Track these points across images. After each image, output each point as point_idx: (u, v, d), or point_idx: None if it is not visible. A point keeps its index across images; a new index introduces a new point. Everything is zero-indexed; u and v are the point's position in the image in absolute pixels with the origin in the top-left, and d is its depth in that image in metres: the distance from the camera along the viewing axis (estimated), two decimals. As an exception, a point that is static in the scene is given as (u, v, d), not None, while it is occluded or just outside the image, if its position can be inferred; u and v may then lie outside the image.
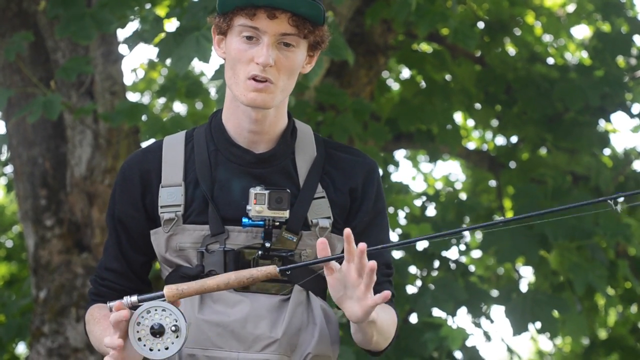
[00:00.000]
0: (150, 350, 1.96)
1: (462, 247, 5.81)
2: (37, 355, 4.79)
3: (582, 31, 13.01)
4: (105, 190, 4.86)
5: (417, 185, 11.86)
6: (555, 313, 5.25)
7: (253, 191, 2.10)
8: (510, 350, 6.04)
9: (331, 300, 2.10)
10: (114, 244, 2.24)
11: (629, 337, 7.16)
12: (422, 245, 5.70)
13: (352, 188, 2.20)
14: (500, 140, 7.11)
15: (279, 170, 2.17)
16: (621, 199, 2.05)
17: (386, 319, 2.13)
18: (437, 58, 6.20)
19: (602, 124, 6.25)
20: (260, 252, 2.12)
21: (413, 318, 5.56)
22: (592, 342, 7.20)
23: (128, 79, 7.77)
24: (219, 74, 3.76)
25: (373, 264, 1.94)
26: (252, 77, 2.07)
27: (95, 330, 2.17)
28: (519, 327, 5.24)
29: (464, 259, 6.19)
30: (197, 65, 7.52)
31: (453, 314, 5.32)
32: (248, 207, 2.11)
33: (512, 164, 6.58)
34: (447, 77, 6.43)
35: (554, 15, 6.60)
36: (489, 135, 7.51)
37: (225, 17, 2.11)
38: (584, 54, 6.96)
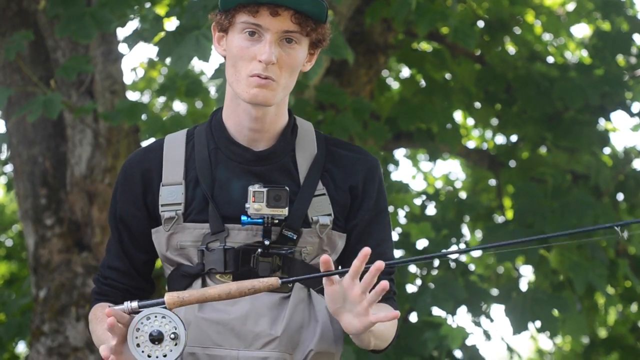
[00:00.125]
0: (149, 356, 1.96)
1: (462, 246, 5.81)
2: (37, 354, 4.79)
3: (582, 30, 13.02)
4: (105, 190, 4.86)
5: (417, 184, 11.85)
6: (555, 312, 5.25)
7: (251, 189, 2.10)
8: (510, 349, 6.04)
9: None
10: (116, 243, 2.24)
11: (629, 336, 7.16)
12: (422, 244, 5.70)
13: (352, 186, 2.19)
14: (500, 139, 7.11)
15: (279, 167, 2.16)
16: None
17: (386, 323, 2.12)
18: (437, 57, 6.20)
19: (602, 122, 6.25)
20: (260, 250, 2.12)
21: (413, 317, 5.57)
22: (592, 341, 7.20)
23: (128, 78, 7.78)
24: (219, 73, 3.76)
25: (385, 284, 1.93)
26: (254, 75, 2.07)
27: (97, 329, 2.17)
28: (519, 326, 5.24)
29: (463, 258, 6.18)
30: (196, 64, 7.52)
31: (453, 313, 5.32)
32: (247, 205, 2.10)
33: (512, 163, 6.58)
34: (447, 76, 6.43)
35: (554, 14, 6.60)
36: (488, 134, 7.51)
37: (227, 14, 2.10)
38: (584, 53, 6.96)
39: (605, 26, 6.26)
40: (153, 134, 4.56)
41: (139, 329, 1.96)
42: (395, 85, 7.11)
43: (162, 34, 4.15)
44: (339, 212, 2.17)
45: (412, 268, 5.69)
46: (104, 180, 4.87)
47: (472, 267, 5.98)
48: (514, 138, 6.70)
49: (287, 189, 2.11)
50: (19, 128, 4.97)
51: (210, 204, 2.14)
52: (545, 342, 9.62)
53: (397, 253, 5.71)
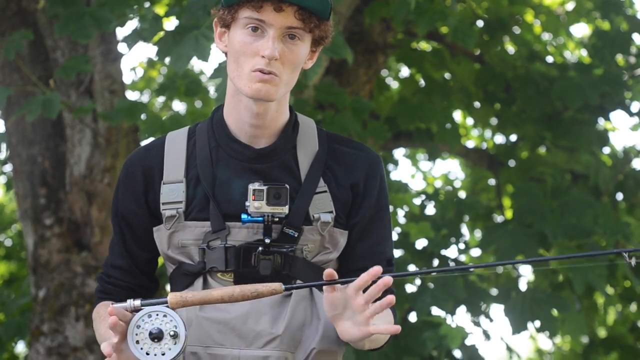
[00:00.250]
0: (147, 354, 1.96)
1: (462, 246, 5.81)
2: (37, 354, 4.79)
3: (581, 29, 13.02)
4: (104, 189, 4.86)
5: (417, 184, 11.87)
6: (555, 312, 5.25)
7: (251, 187, 2.09)
8: (509, 349, 6.03)
9: None
10: (119, 241, 2.24)
11: (628, 336, 7.17)
12: (421, 244, 5.70)
13: (353, 183, 2.18)
14: (499, 139, 7.11)
15: (280, 165, 2.16)
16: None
17: (383, 322, 2.11)
18: (437, 56, 6.20)
19: (602, 122, 6.26)
20: (261, 249, 2.11)
21: (412, 317, 5.56)
22: (592, 341, 7.20)
23: (127, 78, 7.78)
24: (218, 72, 3.76)
25: (391, 299, 1.92)
26: (257, 70, 2.06)
27: (100, 327, 2.18)
28: (518, 326, 5.24)
29: (463, 258, 6.19)
30: (196, 63, 7.52)
31: (452, 312, 5.32)
32: (247, 204, 2.10)
33: (512, 163, 6.58)
34: (447, 75, 6.43)
35: (553, 14, 6.60)
36: (488, 133, 7.51)
37: (230, 10, 2.10)
38: (583, 52, 6.96)
39: (605, 26, 6.26)
40: (152, 134, 4.56)
41: (139, 326, 1.97)
42: (394, 84, 7.11)
43: (162, 33, 4.14)
44: (340, 210, 2.17)
45: (412, 268, 5.69)
46: (103, 180, 4.87)
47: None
48: (513, 138, 6.70)
49: (287, 186, 2.10)
50: (18, 128, 4.97)
51: (211, 202, 2.13)
52: (545, 342, 9.62)
53: (396, 253, 5.71)
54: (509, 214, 6.61)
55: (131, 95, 7.03)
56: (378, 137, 5.52)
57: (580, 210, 5.40)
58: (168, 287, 2.28)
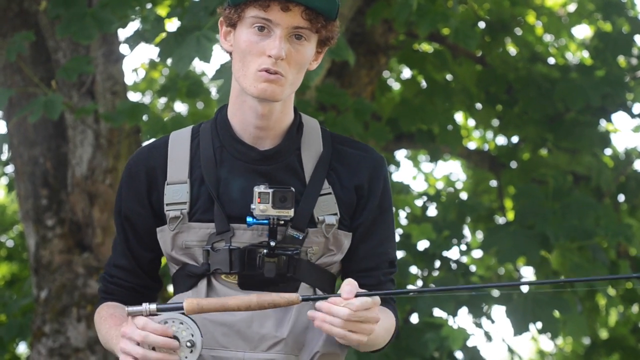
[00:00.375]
0: None
1: (463, 247, 5.81)
2: (38, 355, 4.79)
3: (583, 31, 13.00)
4: (106, 190, 4.86)
5: (418, 185, 11.87)
6: (556, 313, 5.24)
7: (257, 190, 2.09)
8: (511, 350, 6.04)
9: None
10: (122, 241, 2.23)
11: (630, 337, 7.16)
12: (423, 245, 5.70)
13: (358, 185, 2.18)
14: (501, 140, 7.11)
15: (284, 166, 2.15)
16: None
17: (381, 327, 2.11)
18: (438, 58, 6.20)
19: (603, 124, 6.25)
20: (265, 251, 2.11)
21: (414, 318, 5.56)
22: (593, 342, 7.20)
23: (129, 79, 7.78)
24: (220, 74, 3.76)
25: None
26: (263, 70, 2.05)
27: (102, 328, 2.17)
28: (520, 327, 5.24)
29: (465, 259, 6.18)
30: (198, 65, 7.52)
31: (454, 314, 5.32)
32: (252, 206, 2.09)
33: (513, 164, 6.57)
34: (448, 77, 6.43)
35: (555, 15, 6.60)
36: (489, 135, 7.51)
37: (236, 8, 2.09)
38: (585, 54, 6.96)
39: (606, 27, 6.26)
40: (154, 135, 4.56)
41: None
42: (396, 86, 7.11)
43: (163, 34, 4.15)
44: (344, 212, 2.16)
45: (413, 269, 5.69)
46: (105, 181, 4.87)
47: (473, 268, 5.97)
48: (515, 139, 6.70)
49: (293, 189, 2.09)
50: (20, 129, 4.97)
51: (215, 203, 2.12)
52: (546, 344, 9.62)
53: (398, 254, 5.70)
54: (510, 215, 6.61)
55: (133, 97, 7.03)
56: (380, 139, 5.52)
57: (582, 212, 5.40)
58: (170, 287, 2.27)
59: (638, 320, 7.30)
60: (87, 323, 4.75)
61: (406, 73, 7.07)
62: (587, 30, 7.54)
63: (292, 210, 2.09)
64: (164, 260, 2.27)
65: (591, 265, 5.40)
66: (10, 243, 8.09)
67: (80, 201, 4.88)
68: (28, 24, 4.94)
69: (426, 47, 6.54)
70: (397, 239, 5.77)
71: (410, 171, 12.71)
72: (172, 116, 5.25)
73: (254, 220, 2.09)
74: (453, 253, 5.72)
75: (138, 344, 1.97)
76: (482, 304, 5.49)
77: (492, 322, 5.78)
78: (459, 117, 7.16)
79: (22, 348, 7.21)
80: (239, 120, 2.16)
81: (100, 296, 2.27)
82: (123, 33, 4.95)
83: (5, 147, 5.09)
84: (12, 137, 5.01)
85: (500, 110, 6.43)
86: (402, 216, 6.33)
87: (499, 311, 8.12)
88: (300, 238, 2.12)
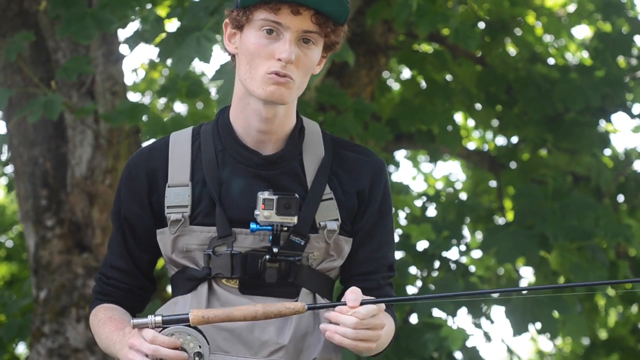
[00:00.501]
0: None
1: (463, 248, 5.81)
2: (38, 355, 4.79)
3: (582, 31, 13.00)
4: (105, 191, 4.86)
5: (418, 186, 11.86)
6: (556, 313, 5.24)
7: (261, 196, 2.08)
8: (510, 350, 6.03)
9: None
10: (120, 243, 2.22)
11: (629, 338, 7.16)
12: (422, 245, 5.70)
13: (359, 190, 2.18)
14: (500, 141, 7.11)
15: (287, 172, 2.15)
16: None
17: (384, 332, 2.10)
18: (438, 58, 6.20)
19: (603, 124, 6.25)
20: (267, 257, 2.10)
21: (413, 318, 5.56)
22: (593, 343, 7.20)
23: (129, 79, 7.78)
24: (220, 74, 3.76)
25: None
26: (272, 73, 2.05)
27: (102, 332, 2.16)
28: (519, 328, 5.24)
29: (464, 260, 6.18)
30: (197, 65, 7.52)
31: (453, 314, 5.31)
32: (256, 212, 2.08)
33: (513, 165, 6.57)
34: (448, 77, 6.43)
35: (555, 16, 6.60)
36: (489, 135, 7.51)
37: (245, 11, 2.07)
38: (585, 54, 6.96)
39: (606, 27, 6.26)
40: (154, 135, 4.56)
41: None
42: (396, 86, 7.11)
43: (163, 35, 4.15)
44: (345, 217, 2.16)
45: (413, 269, 5.69)
46: (105, 181, 4.87)
47: (472, 268, 5.97)
48: (514, 139, 6.70)
49: (297, 196, 2.09)
50: (19, 129, 4.97)
51: (217, 207, 2.12)
52: (546, 344, 9.62)
53: (398, 254, 5.71)
54: (510, 215, 6.61)
55: (133, 97, 7.03)
56: (379, 139, 5.52)
57: (581, 212, 5.40)
58: (170, 288, 2.26)
59: (637, 321, 7.30)
60: (87, 323, 4.75)
61: (406, 73, 7.07)
62: (587, 31, 7.54)
63: (296, 217, 2.08)
64: (160, 261, 2.27)
65: (590, 266, 5.40)
66: (9, 243, 8.09)
67: (80, 201, 4.88)
68: (28, 24, 4.94)
69: (426, 48, 6.54)
70: (397, 239, 5.78)
71: (410, 171, 12.70)
72: (171, 116, 5.25)
73: (258, 226, 2.09)
74: (452, 253, 5.71)
75: (147, 355, 1.97)
76: (482, 304, 5.49)
77: (492, 322, 5.78)
78: (458, 117, 7.16)
79: (21, 348, 7.21)
80: (242, 123, 2.14)
81: (95, 297, 2.26)
82: (123, 33, 4.95)
83: (5, 147, 5.09)
84: (11, 137, 5.01)
85: (500, 111, 6.43)
86: (402, 216, 6.32)
87: (498, 311, 8.13)
88: (302, 244, 2.12)
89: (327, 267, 2.16)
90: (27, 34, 4.50)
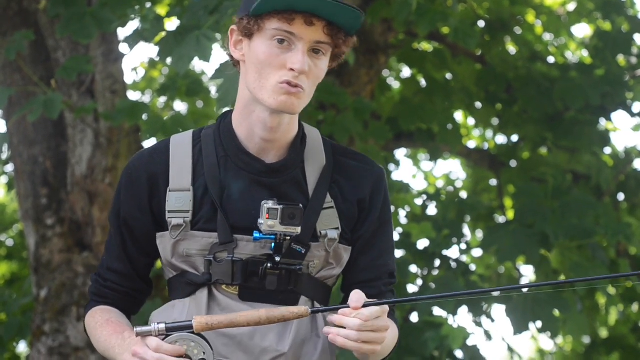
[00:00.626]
0: None
1: (463, 246, 5.81)
2: (38, 354, 4.79)
3: (582, 30, 13.02)
4: (106, 189, 4.86)
5: (418, 184, 11.85)
6: (556, 312, 5.24)
7: (266, 205, 2.07)
8: (511, 349, 6.03)
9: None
10: (118, 245, 2.21)
11: (630, 336, 7.16)
12: (422, 244, 5.70)
13: (360, 199, 2.18)
14: (500, 139, 7.11)
15: (289, 180, 2.14)
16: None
17: (388, 336, 2.10)
18: (438, 57, 6.20)
19: (603, 122, 6.25)
20: (269, 265, 2.10)
21: (414, 317, 5.56)
22: (593, 341, 7.20)
23: (129, 78, 7.78)
24: (220, 73, 3.76)
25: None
26: (284, 82, 2.04)
27: (99, 334, 2.15)
28: (520, 326, 5.24)
29: (464, 258, 6.19)
30: (197, 64, 7.52)
31: (454, 313, 5.32)
32: (260, 221, 2.08)
33: (513, 163, 6.57)
34: (448, 76, 6.43)
35: (555, 14, 6.60)
36: (489, 134, 7.51)
37: (256, 19, 2.06)
38: (585, 53, 6.96)
39: (606, 26, 6.26)
40: (154, 134, 4.56)
41: None
42: (396, 85, 7.11)
43: (163, 34, 4.14)
44: (346, 225, 2.16)
45: (413, 268, 5.69)
46: (105, 180, 4.87)
47: (473, 267, 5.97)
48: (514, 138, 6.70)
49: (302, 207, 2.08)
50: (19, 128, 4.97)
51: (219, 213, 2.11)
52: (546, 343, 9.62)
53: (398, 253, 5.71)
54: (510, 214, 6.62)
55: (132, 96, 7.04)
56: (379, 138, 5.52)
57: (581, 211, 5.40)
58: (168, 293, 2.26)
59: (638, 319, 7.30)
60: (87, 322, 4.75)
61: (406, 72, 7.07)
62: (587, 29, 7.54)
63: (300, 227, 2.08)
64: (158, 263, 2.26)
65: (591, 264, 5.40)
66: (10, 242, 8.09)
67: (80, 200, 4.89)
68: (28, 23, 4.94)
69: (426, 46, 6.54)
70: (397, 237, 5.78)
71: (410, 170, 12.73)
72: (171, 115, 5.25)
73: (261, 235, 2.08)
74: (453, 252, 5.72)
75: None
76: (482, 303, 5.50)
77: (492, 321, 5.78)
78: (458, 116, 7.16)
79: (22, 347, 7.21)
80: (245, 130, 2.14)
81: (91, 298, 2.25)
82: (123, 32, 4.97)
83: (5, 146, 5.09)
84: (11, 136, 5.01)
85: (500, 109, 6.43)
86: (402, 215, 6.33)
87: (498, 310, 8.13)
88: (303, 252, 2.11)
89: (325, 275, 2.17)
90: (27, 32, 4.50)
